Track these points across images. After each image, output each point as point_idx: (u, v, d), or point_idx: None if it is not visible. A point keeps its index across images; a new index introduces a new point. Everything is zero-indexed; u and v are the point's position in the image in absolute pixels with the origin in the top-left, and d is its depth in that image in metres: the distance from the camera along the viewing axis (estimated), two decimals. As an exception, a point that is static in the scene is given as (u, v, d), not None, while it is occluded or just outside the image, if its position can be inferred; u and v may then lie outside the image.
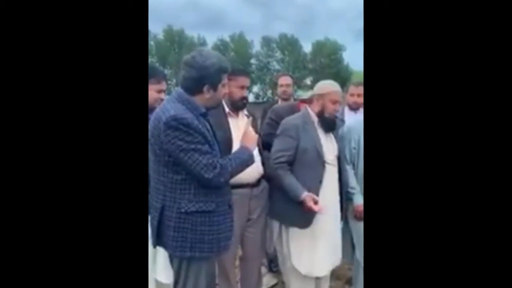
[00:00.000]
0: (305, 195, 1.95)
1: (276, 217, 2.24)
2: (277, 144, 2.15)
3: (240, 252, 2.32)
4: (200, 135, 1.52)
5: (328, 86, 2.20)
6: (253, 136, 1.75)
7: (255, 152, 2.18)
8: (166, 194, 1.57)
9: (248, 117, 2.24)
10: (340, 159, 2.22)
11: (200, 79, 1.57)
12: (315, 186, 2.05)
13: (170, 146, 1.49)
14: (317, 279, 2.26)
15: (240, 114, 2.25)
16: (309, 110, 2.22)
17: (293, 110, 2.49)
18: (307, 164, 2.07)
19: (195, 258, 1.60)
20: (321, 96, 2.17)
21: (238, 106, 2.19)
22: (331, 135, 2.22)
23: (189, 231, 1.56)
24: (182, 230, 1.56)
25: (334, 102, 2.14)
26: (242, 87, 2.16)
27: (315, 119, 2.18)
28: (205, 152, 1.51)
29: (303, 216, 2.06)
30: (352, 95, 2.91)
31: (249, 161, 1.68)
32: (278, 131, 2.18)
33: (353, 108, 2.90)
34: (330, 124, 2.18)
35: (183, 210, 1.55)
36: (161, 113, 1.52)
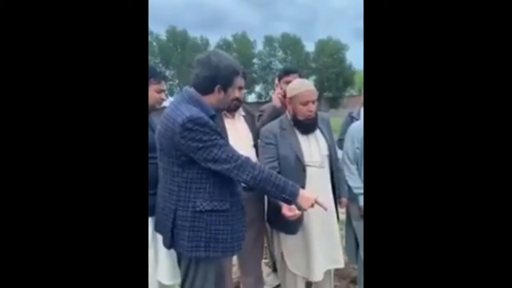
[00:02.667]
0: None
1: (267, 221, 2.21)
2: (260, 155, 2.07)
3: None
4: (215, 132, 1.52)
5: (297, 86, 2.06)
6: (311, 199, 1.61)
7: (253, 154, 2.18)
8: (180, 195, 1.56)
9: (243, 109, 2.24)
10: (331, 158, 2.13)
11: (213, 79, 1.57)
12: None
13: (187, 147, 1.49)
14: (319, 283, 2.23)
15: (236, 115, 2.23)
16: (288, 114, 2.12)
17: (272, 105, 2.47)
18: (288, 170, 1.98)
19: (209, 258, 1.59)
20: (291, 99, 2.05)
21: (231, 107, 2.16)
22: (318, 135, 2.13)
23: (204, 230, 1.56)
24: (197, 230, 1.55)
25: (305, 103, 2.00)
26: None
27: (292, 123, 2.08)
28: (223, 145, 1.51)
29: (289, 222, 1.94)
30: None
31: (286, 194, 1.57)
32: (259, 140, 2.12)
33: None
34: (306, 127, 2.05)
35: (198, 209, 1.55)
36: (175, 115, 1.51)
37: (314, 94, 2.05)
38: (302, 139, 2.07)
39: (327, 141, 2.12)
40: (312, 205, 1.62)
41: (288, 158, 2.00)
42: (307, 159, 2.02)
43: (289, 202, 1.60)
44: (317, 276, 2.06)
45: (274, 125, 2.11)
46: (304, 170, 2.01)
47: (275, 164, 2.00)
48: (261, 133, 2.12)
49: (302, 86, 2.06)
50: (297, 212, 1.63)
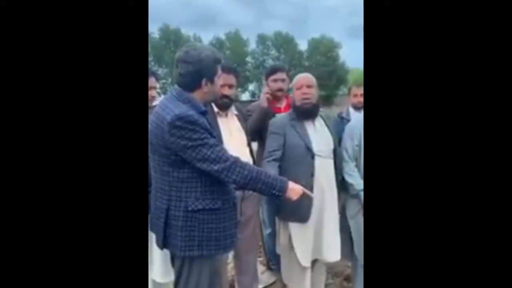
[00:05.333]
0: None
1: (275, 212, 2.26)
2: (267, 144, 2.17)
3: (232, 252, 2.31)
4: (205, 131, 1.51)
5: (295, 78, 2.24)
6: (298, 191, 1.67)
7: (246, 153, 2.18)
8: (172, 194, 1.55)
9: (236, 108, 2.26)
10: (335, 153, 2.22)
11: (198, 73, 1.55)
12: (307, 180, 2.04)
13: (177, 145, 1.47)
14: (313, 274, 2.26)
15: (229, 113, 2.23)
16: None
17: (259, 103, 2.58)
18: (297, 159, 2.07)
19: (203, 257, 1.59)
20: (291, 90, 2.24)
21: (220, 104, 2.15)
22: (325, 128, 2.23)
23: (196, 229, 1.55)
24: (189, 229, 1.54)
25: (300, 87, 2.15)
26: (224, 85, 2.11)
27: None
28: (213, 145, 1.50)
29: (300, 211, 2.06)
30: (355, 95, 2.97)
31: (275, 190, 1.58)
32: (268, 132, 2.20)
33: (358, 107, 2.92)
34: (303, 112, 2.15)
35: (190, 209, 1.53)
36: (164, 113, 1.49)
37: (308, 79, 2.20)
38: (310, 129, 2.16)
39: (332, 135, 2.23)
40: (300, 196, 1.67)
41: (297, 147, 2.09)
42: (315, 148, 2.09)
43: (278, 197, 1.62)
44: (333, 257, 2.16)
45: (283, 117, 2.23)
46: (312, 158, 2.09)
47: (279, 153, 2.09)
48: (269, 124, 2.20)
49: (299, 75, 2.25)
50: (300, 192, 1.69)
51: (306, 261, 2.13)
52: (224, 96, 2.13)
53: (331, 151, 2.19)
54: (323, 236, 2.14)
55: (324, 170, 2.13)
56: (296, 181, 1.97)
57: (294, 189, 1.65)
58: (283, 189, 1.60)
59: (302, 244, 2.14)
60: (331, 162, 2.19)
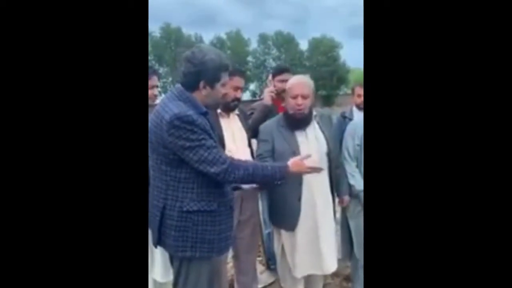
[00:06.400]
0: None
1: (268, 217, 2.25)
2: (256, 149, 2.16)
3: (231, 252, 2.31)
4: (204, 131, 1.50)
5: (290, 81, 2.11)
6: (302, 166, 1.69)
7: (248, 153, 2.19)
8: (168, 193, 1.55)
9: (239, 110, 2.27)
10: (330, 157, 2.12)
11: (197, 74, 1.55)
12: (296, 189, 2.01)
13: (174, 145, 1.47)
14: (310, 278, 2.25)
15: (231, 114, 2.24)
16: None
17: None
18: None
19: (196, 258, 1.59)
20: (285, 93, 2.11)
21: (229, 107, 2.17)
22: (317, 132, 2.13)
23: (190, 230, 1.55)
24: (183, 229, 1.54)
25: (295, 97, 2.00)
26: (236, 88, 2.14)
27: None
28: (210, 147, 1.50)
29: (288, 219, 2.05)
30: (359, 95, 2.95)
31: (276, 179, 1.65)
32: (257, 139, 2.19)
33: (362, 108, 2.91)
34: (294, 122, 2.05)
35: (185, 209, 1.53)
36: (164, 112, 1.49)
37: (304, 88, 2.04)
38: (300, 135, 2.07)
39: (326, 137, 2.12)
40: (307, 169, 1.70)
41: (284, 154, 1.97)
42: (303, 154, 2.02)
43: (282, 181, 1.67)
44: (330, 267, 2.10)
45: (272, 122, 2.15)
46: None
47: (267, 160, 2.03)
48: (259, 130, 2.15)
49: (294, 80, 2.12)
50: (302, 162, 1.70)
51: (298, 273, 2.09)
52: (236, 99, 2.16)
53: (324, 155, 2.08)
54: (321, 248, 2.06)
55: (315, 178, 2.00)
56: (284, 191, 1.99)
57: (297, 164, 1.68)
58: (284, 175, 1.65)
59: (292, 254, 2.10)
60: (323, 167, 2.04)
